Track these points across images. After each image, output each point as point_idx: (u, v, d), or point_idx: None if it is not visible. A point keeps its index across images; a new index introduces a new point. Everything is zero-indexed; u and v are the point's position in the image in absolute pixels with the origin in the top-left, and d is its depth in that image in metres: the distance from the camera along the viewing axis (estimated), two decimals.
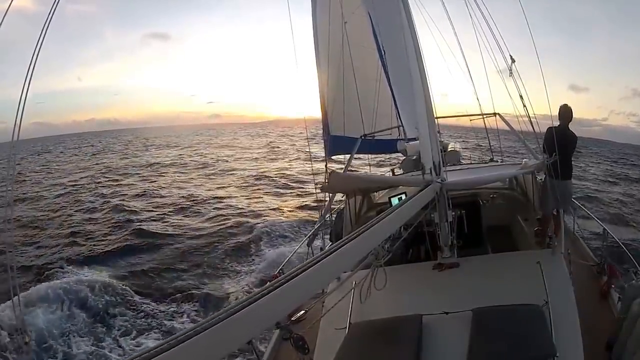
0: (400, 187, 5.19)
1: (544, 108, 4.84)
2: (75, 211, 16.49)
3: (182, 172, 25.93)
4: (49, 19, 1.56)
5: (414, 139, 5.39)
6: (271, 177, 22.07)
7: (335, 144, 6.38)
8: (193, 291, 8.55)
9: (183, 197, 17.96)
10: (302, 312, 3.61)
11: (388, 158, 9.65)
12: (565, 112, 4.68)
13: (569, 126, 4.75)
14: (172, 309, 7.89)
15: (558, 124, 4.69)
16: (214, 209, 15.59)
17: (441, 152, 3.76)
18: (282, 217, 13.88)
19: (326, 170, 4.99)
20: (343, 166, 5.56)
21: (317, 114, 6.40)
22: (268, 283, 1.44)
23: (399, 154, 7.67)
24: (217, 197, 17.63)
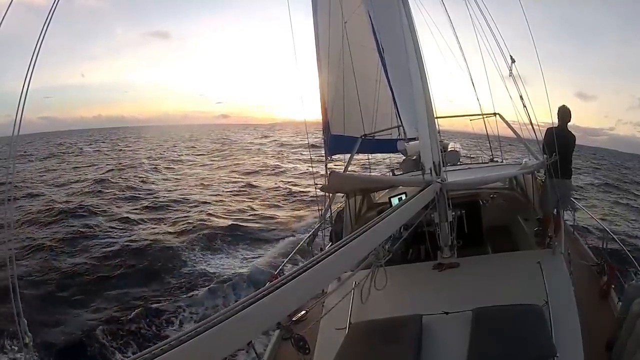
0: (400, 187, 5.19)
1: (547, 115, 4.87)
2: None
3: None
4: (50, 14, 1.56)
5: (414, 139, 5.40)
6: None
7: (336, 143, 6.38)
8: None
9: None
10: (303, 312, 3.61)
11: (386, 157, 9.64)
12: (564, 113, 4.70)
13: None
14: None
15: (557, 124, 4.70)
16: None
17: (441, 152, 3.76)
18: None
19: (326, 170, 4.98)
20: (343, 166, 5.56)
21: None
22: (268, 284, 1.44)
23: (398, 155, 7.66)
24: None
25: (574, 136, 4.76)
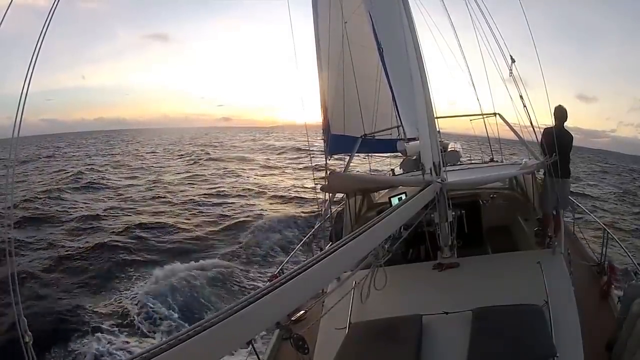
0: (400, 187, 5.20)
1: (548, 116, 4.86)
2: None
3: None
4: (50, 15, 1.57)
5: (414, 139, 5.41)
6: None
7: (336, 143, 6.38)
8: None
9: None
10: (302, 312, 3.62)
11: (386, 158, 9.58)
12: (561, 113, 4.71)
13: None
14: None
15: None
16: None
17: (441, 152, 3.77)
18: None
19: (326, 170, 4.99)
20: (343, 166, 5.56)
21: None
22: (268, 283, 1.44)
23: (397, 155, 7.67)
24: None
25: (572, 136, 4.77)
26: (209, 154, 39.82)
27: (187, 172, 27.42)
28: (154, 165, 32.74)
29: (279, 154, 39.40)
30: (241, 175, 25.57)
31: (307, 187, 19.11)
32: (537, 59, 4.95)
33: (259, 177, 24.99)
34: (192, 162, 33.66)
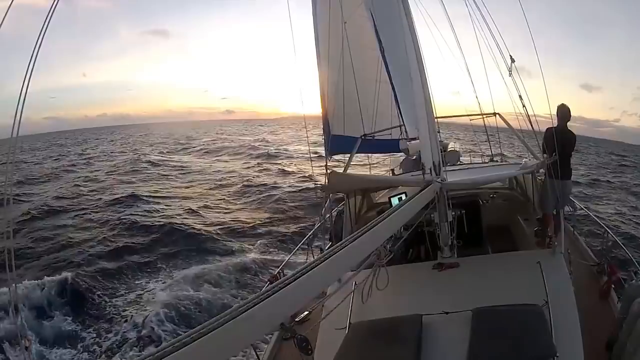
0: (400, 187, 5.19)
1: (551, 108, 4.85)
2: None
3: None
4: (49, 14, 1.56)
5: (415, 139, 5.40)
6: None
7: (336, 143, 6.37)
8: None
9: None
10: (306, 312, 3.62)
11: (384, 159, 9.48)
12: (564, 112, 4.68)
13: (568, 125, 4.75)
14: None
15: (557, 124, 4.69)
16: None
17: (441, 152, 3.76)
18: None
19: (326, 170, 4.98)
20: (343, 165, 5.55)
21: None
22: (270, 285, 1.44)
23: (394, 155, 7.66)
24: None
25: (575, 136, 4.76)
26: (140, 156, 32.56)
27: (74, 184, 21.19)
28: (79, 176, 24.53)
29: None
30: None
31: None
32: (535, 50, 4.88)
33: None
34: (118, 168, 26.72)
